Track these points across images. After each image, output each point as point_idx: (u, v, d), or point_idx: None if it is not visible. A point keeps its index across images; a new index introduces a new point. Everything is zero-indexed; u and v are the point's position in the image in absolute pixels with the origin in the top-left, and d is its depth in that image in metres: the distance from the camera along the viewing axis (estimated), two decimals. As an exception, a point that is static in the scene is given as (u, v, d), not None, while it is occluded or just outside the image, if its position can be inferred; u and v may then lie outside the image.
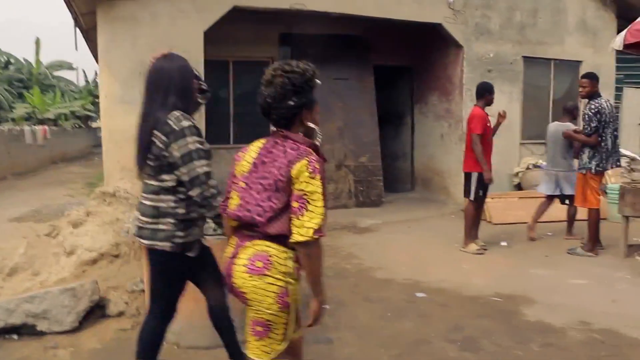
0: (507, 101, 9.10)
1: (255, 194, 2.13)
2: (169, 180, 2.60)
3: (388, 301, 4.58)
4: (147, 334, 2.78)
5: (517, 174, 9.16)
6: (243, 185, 2.19)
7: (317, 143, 2.25)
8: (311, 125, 2.24)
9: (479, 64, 8.97)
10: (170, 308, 2.80)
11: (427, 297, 4.67)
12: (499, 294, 4.71)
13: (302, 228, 2.02)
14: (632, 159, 8.34)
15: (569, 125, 6.39)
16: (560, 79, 9.70)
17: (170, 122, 2.53)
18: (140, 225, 2.69)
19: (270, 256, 2.10)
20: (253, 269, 2.10)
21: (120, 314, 3.88)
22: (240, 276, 2.13)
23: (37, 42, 29.43)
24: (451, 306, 4.45)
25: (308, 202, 2.04)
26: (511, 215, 7.80)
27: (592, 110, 5.68)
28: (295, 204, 2.05)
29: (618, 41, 5.54)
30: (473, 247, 6.15)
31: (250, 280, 2.10)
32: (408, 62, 10.48)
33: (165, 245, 2.61)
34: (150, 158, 2.60)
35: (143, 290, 3.89)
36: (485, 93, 6.10)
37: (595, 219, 5.86)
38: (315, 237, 2.03)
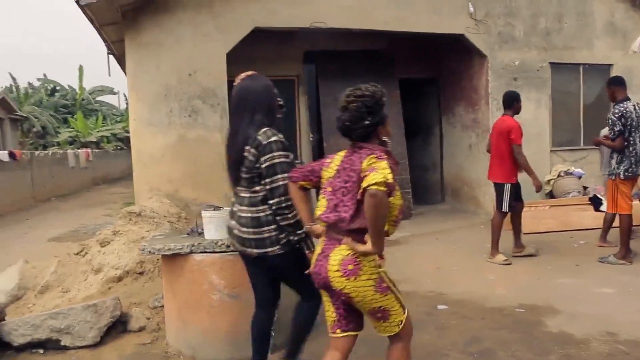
0: (535, 108, 8.96)
1: (340, 196, 2.45)
2: (260, 190, 2.82)
3: (408, 314, 4.54)
4: (303, 318, 3.01)
5: (548, 182, 8.94)
6: (330, 189, 2.51)
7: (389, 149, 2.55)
8: (385, 138, 2.55)
9: (504, 72, 8.85)
10: (315, 290, 2.89)
11: (449, 309, 4.61)
12: (522, 304, 4.62)
13: (371, 177, 2.22)
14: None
15: None
16: (591, 84, 9.44)
17: (260, 138, 2.78)
18: (243, 236, 2.88)
19: (357, 257, 2.37)
20: (347, 272, 2.38)
21: (141, 329, 4.00)
22: (338, 281, 2.40)
23: (80, 69, 30.50)
24: (472, 318, 4.37)
25: (376, 168, 2.28)
26: (542, 225, 7.63)
27: (616, 115, 5.57)
28: (366, 174, 2.28)
29: (637, 43, 5.43)
30: (500, 257, 6.06)
31: (348, 283, 2.39)
32: (433, 73, 10.44)
33: (275, 249, 2.82)
34: (244, 171, 2.83)
35: (163, 306, 4.00)
36: (513, 102, 6.07)
37: (627, 225, 5.70)
38: (383, 183, 2.19)
